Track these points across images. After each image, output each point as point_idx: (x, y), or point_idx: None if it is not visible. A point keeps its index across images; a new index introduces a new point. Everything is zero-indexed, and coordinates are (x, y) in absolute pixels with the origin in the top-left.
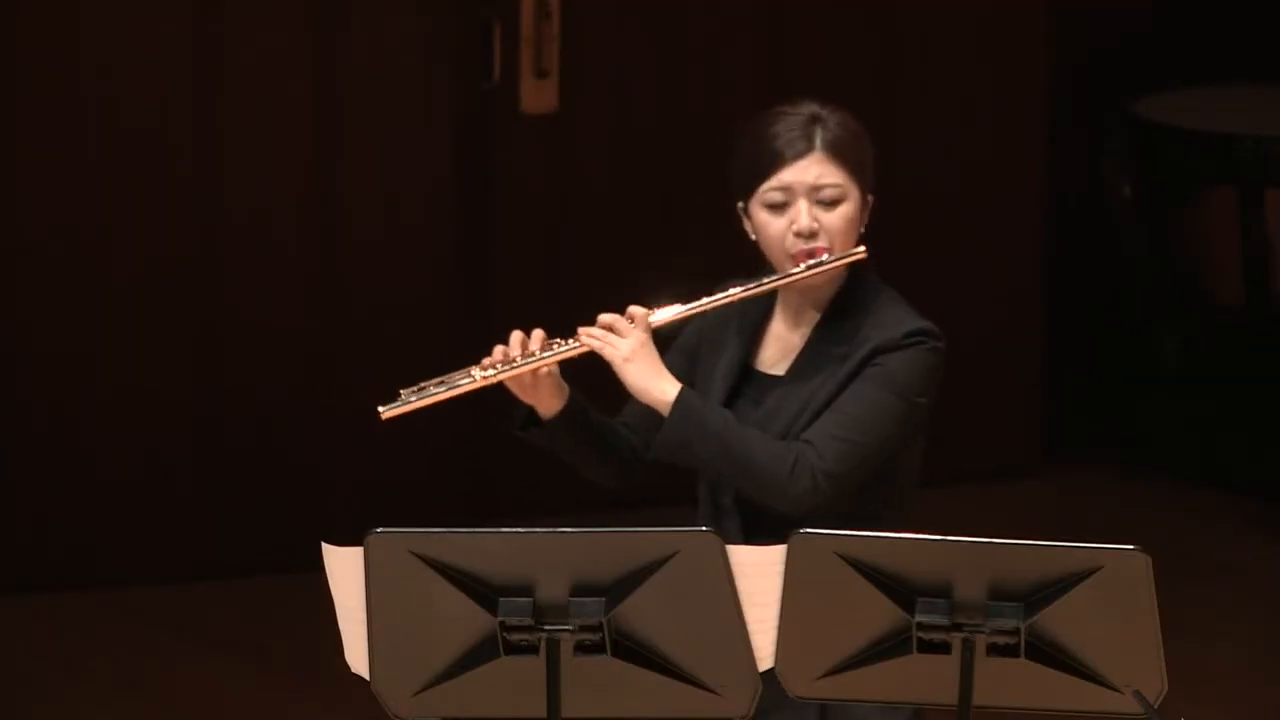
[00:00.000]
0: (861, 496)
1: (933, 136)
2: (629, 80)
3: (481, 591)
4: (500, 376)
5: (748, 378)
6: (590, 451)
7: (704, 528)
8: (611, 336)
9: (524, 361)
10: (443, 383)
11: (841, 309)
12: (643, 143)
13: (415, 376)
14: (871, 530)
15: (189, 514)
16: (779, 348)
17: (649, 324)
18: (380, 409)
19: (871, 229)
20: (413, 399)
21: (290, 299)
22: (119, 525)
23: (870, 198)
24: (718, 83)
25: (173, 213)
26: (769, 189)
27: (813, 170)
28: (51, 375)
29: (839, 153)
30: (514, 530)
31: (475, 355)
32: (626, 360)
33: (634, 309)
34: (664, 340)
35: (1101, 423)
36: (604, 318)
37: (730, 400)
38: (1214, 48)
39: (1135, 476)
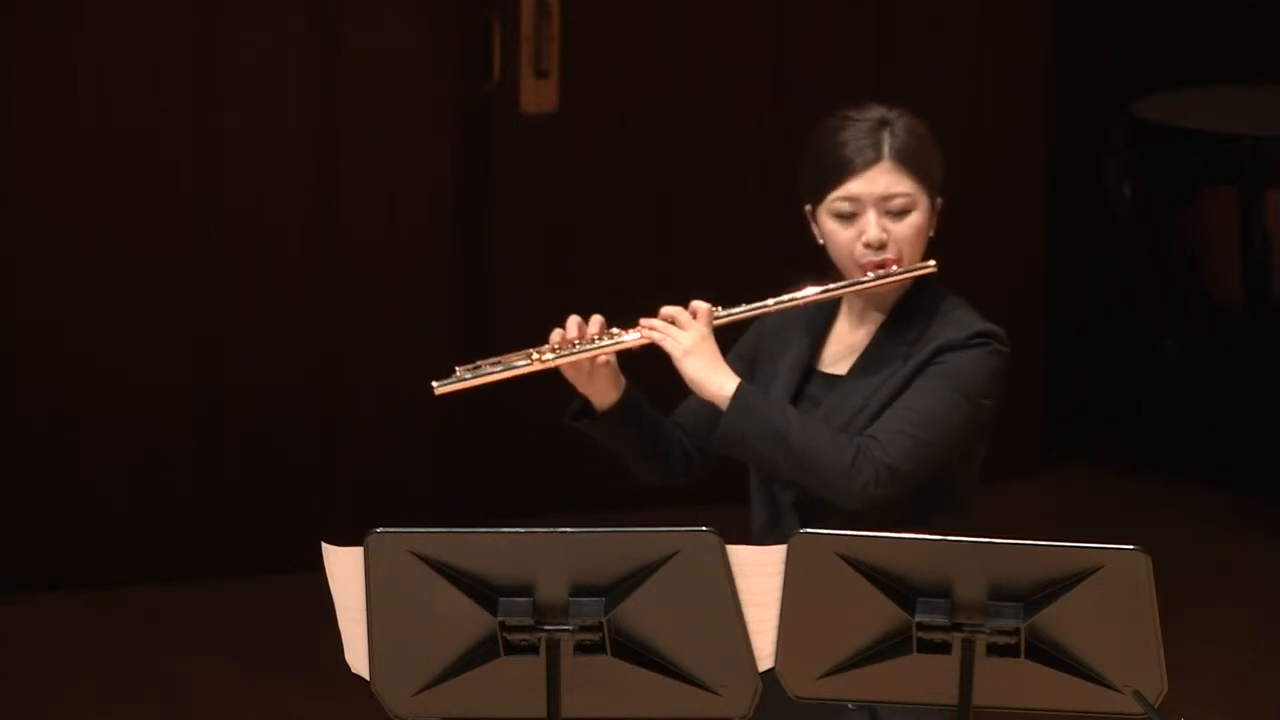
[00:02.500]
0: (920, 497)
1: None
2: (629, 80)
3: (481, 591)
4: (559, 361)
5: (810, 378)
6: (641, 447)
7: (704, 527)
8: (672, 328)
9: (582, 347)
10: (499, 363)
11: (906, 311)
12: (642, 143)
13: (414, 376)
14: (927, 532)
15: (189, 514)
16: (842, 348)
17: (711, 319)
18: (434, 384)
19: None
20: (468, 377)
21: (290, 299)
22: (119, 525)
23: (939, 200)
24: (718, 83)
25: (173, 213)
26: (837, 199)
27: (881, 180)
28: (51, 375)
29: (907, 161)
30: (514, 530)
31: (475, 356)
32: (686, 353)
33: (697, 304)
34: (722, 344)
35: (1101, 423)
36: (666, 310)
37: (793, 400)
38: (1214, 48)
39: (1135, 476)
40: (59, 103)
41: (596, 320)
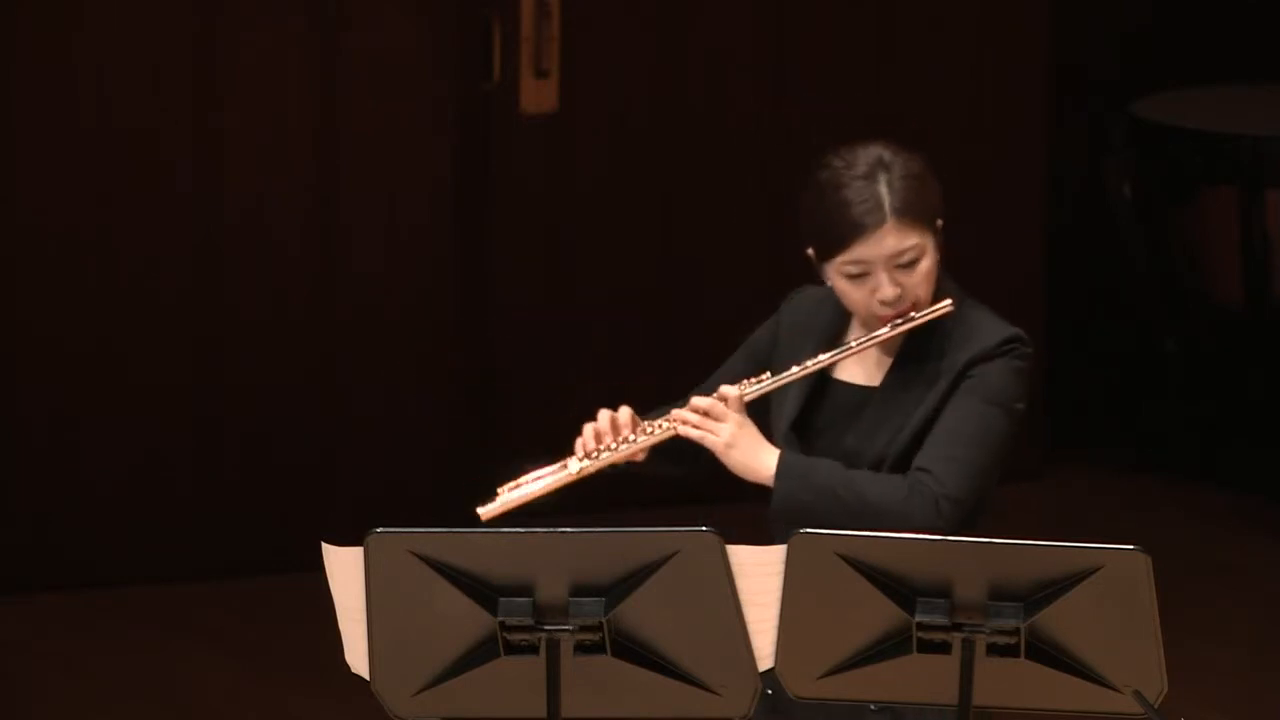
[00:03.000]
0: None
1: (933, 136)
2: (629, 80)
3: (481, 591)
4: (597, 466)
5: (829, 386)
6: (683, 470)
7: (704, 527)
8: (708, 423)
9: (619, 447)
10: (539, 478)
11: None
12: (642, 143)
13: (414, 376)
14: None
15: (189, 514)
16: (862, 357)
17: (742, 404)
18: (480, 510)
19: None
20: (511, 498)
21: (290, 299)
22: (119, 525)
23: (940, 223)
24: (718, 83)
25: (173, 213)
26: (845, 262)
27: (889, 241)
28: (51, 375)
29: (911, 213)
30: (514, 530)
31: (474, 356)
32: (730, 447)
33: (725, 389)
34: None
35: (1101, 423)
36: (698, 402)
37: (811, 409)
38: (1214, 48)
39: (1135, 476)
40: (59, 103)
41: (626, 413)
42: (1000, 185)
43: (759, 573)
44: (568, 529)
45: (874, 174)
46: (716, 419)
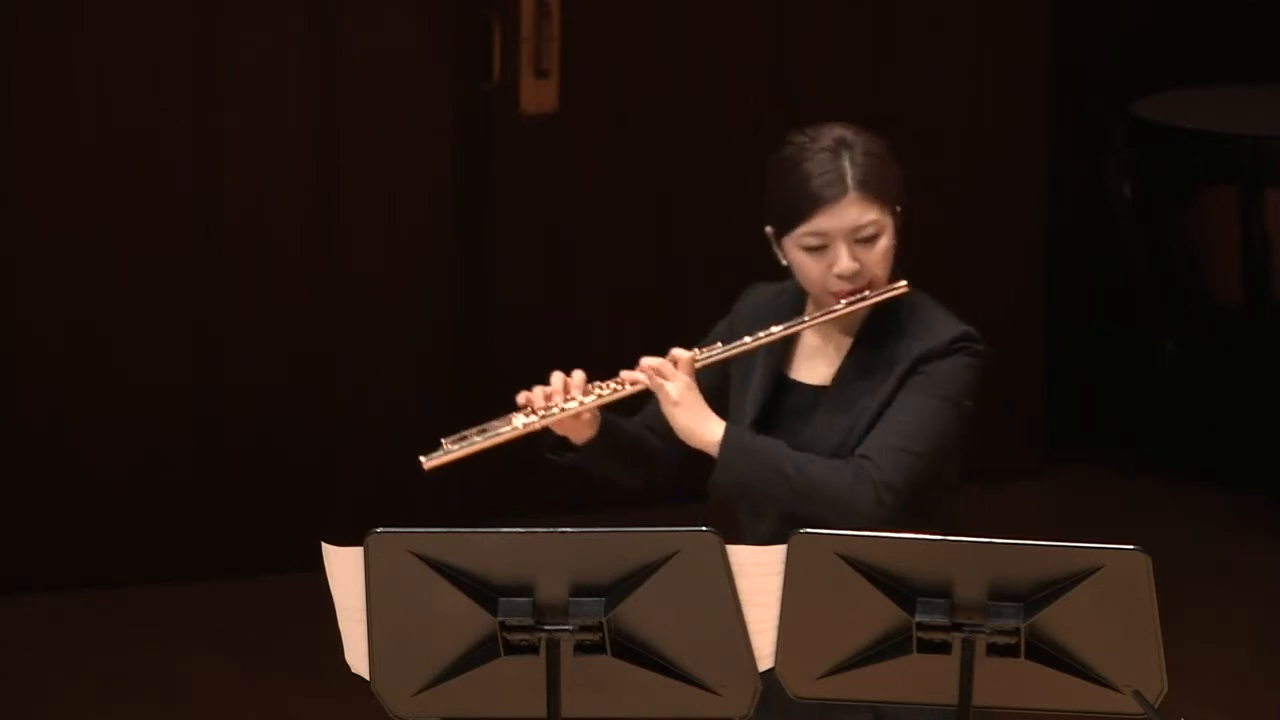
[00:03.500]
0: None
1: (933, 136)
2: (629, 80)
3: (481, 591)
4: (543, 423)
5: (785, 387)
6: (626, 465)
7: (704, 527)
8: (658, 379)
9: (567, 406)
10: (484, 430)
11: (882, 318)
12: (642, 143)
13: (414, 376)
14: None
15: (189, 514)
16: (816, 356)
17: (693, 367)
18: (422, 459)
19: None
20: (454, 448)
21: (290, 299)
22: (119, 525)
23: (900, 209)
24: (718, 83)
25: (173, 213)
26: (805, 234)
27: (850, 214)
28: (51, 375)
29: (872, 189)
30: (514, 530)
31: (474, 355)
32: (676, 404)
33: (677, 352)
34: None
35: (1101, 423)
36: (648, 361)
37: (769, 410)
38: (1214, 48)
39: (1135, 476)
40: (59, 103)
41: (579, 376)
42: (1000, 185)
43: (759, 573)
44: (568, 529)
45: (838, 150)
46: (665, 377)
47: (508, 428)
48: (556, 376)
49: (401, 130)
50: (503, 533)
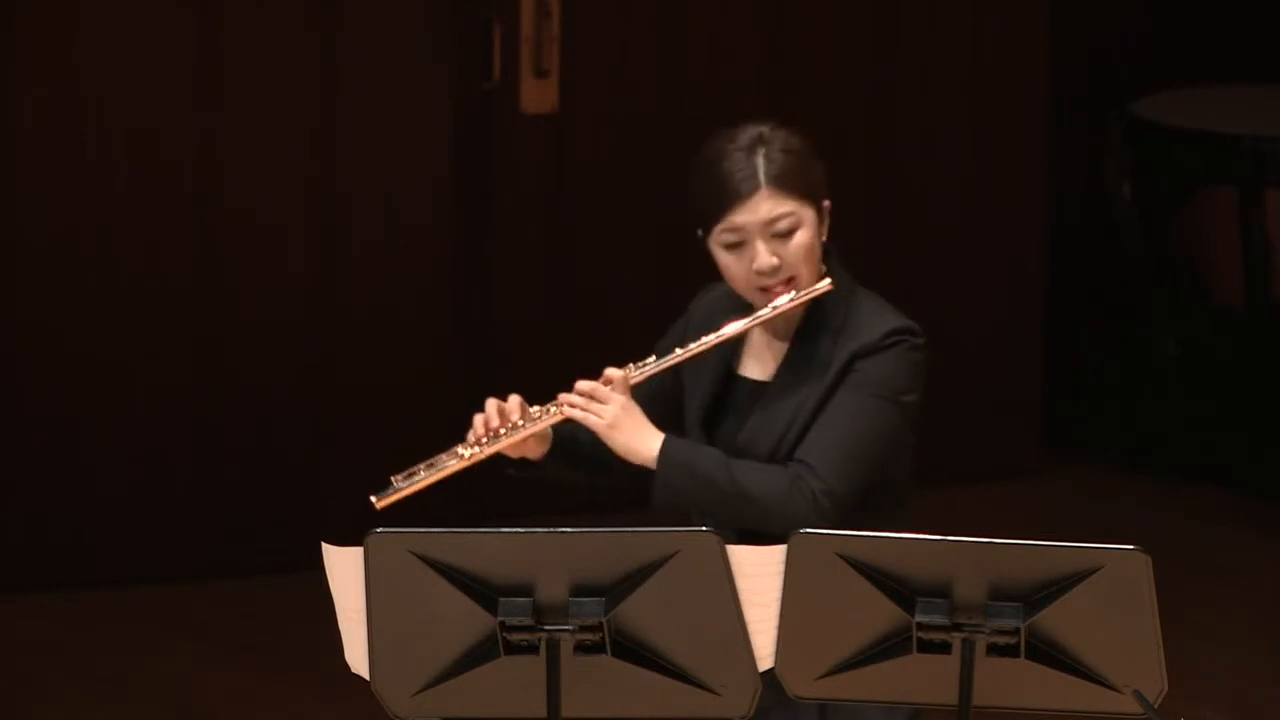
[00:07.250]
0: (858, 503)
1: (933, 136)
2: (629, 80)
3: (481, 591)
4: (486, 452)
5: (733, 383)
6: (582, 474)
7: (704, 527)
8: (594, 405)
9: (507, 434)
10: (431, 465)
11: (819, 314)
12: (643, 143)
13: (414, 376)
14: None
15: (189, 514)
16: (760, 352)
17: (628, 385)
18: (373, 498)
19: (871, 229)
20: (403, 485)
21: (290, 298)
22: (119, 525)
23: (827, 204)
24: (718, 83)
25: (173, 213)
26: (722, 230)
27: (763, 207)
28: (51, 375)
29: (785, 183)
30: (514, 530)
31: (474, 356)
32: (611, 427)
33: (611, 371)
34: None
35: (1101, 423)
36: (582, 385)
37: (717, 406)
38: (1214, 48)
39: (1135, 476)
40: (59, 103)
41: (515, 401)
42: (1000, 186)
43: (759, 573)
44: (568, 529)
45: (754, 147)
46: (600, 401)
47: (454, 460)
48: (491, 404)
49: (401, 130)
50: (503, 533)
